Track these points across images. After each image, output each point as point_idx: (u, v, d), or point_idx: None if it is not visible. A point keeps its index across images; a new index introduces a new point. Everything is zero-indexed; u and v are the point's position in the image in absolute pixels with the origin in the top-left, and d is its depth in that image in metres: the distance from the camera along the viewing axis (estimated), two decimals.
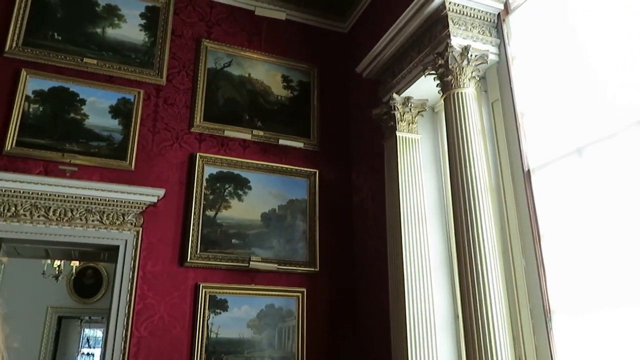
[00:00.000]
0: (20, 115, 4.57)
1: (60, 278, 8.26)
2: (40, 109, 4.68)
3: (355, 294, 5.24)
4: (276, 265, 4.96)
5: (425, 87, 4.70)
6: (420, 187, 4.65)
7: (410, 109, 4.80)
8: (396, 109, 4.77)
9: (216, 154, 5.19)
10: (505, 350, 3.31)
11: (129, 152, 4.84)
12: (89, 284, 10.28)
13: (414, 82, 4.62)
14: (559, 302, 3.44)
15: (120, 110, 4.94)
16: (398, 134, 4.72)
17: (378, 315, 4.77)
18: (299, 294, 5.04)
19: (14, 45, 4.75)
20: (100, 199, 4.55)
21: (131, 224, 4.66)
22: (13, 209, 4.32)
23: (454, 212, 3.81)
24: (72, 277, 10.00)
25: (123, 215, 4.64)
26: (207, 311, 4.67)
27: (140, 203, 4.68)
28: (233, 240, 4.97)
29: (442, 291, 4.45)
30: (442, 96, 4.13)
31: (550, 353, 3.36)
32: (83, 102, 4.84)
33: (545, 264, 3.56)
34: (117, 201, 4.60)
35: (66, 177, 4.51)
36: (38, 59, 4.79)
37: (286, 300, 4.99)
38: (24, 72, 4.70)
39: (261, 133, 5.44)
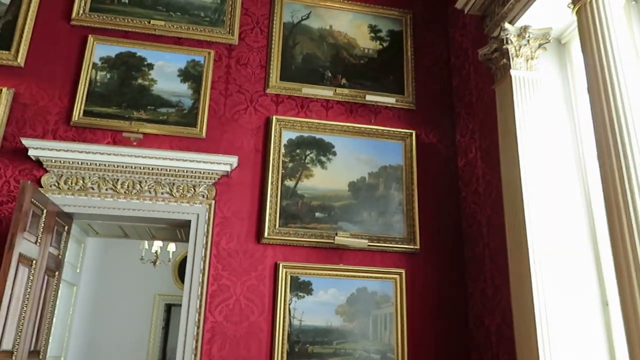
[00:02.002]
0: (87, 84, 4.29)
1: (157, 263, 8.25)
2: (108, 76, 4.37)
3: (465, 278, 4.32)
4: (367, 241, 4.19)
5: (547, 12, 3.68)
6: (545, 139, 3.63)
7: (529, 42, 3.79)
8: (509, 42, 3.78)
9: (295, 117, 4.55)
10: None
11: (200, 118, 4.37)
12: None
13: (532, 4, 3.61)
14: None
15: (190, 74, 4.50)
16: (513, 73, 3.73)
17: (496, 303, 3.83)
18: (397, 276, 4.24)
19: (80, 11, 4.49)
20: (170, 169, 4.12)
21: (203, 196, 4.18)
22: (81, 182, 4.04)
23: (601, 168, 2.81)
24: (176, 264, 10.07)
25: (194, 186, 4.18)
26: (288, 294, 4.05)
27: (212, 173, 4.18)
28: (316, 214, 4.30)
29: (585, 272, 3.40)
30: (573, 9, 3.10)
31: None
32: (151, 66, 4.46)
33: None
34: (187, 171, 4.14)
35: (133, 145, 4.13)
36: (105, 24, 4.50)
37: (381, 283, 4.22)
38: (91, 39, 4.42)
39: (346, 91, 4.70)
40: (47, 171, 4.03)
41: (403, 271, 4.25)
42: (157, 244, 7.85)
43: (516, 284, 3.48)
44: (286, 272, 4.09)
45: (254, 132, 4.46)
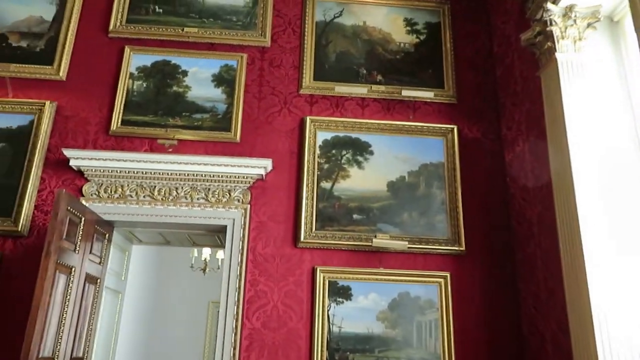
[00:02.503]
0: (124, 94, 4.37)
1: (207, 271, 8.34)
2: (144, 85, 4.43)
3: (516, 281, 4.02)
4: (407, 243, 3.99)
5: None
6: (598, 125, 3.31)
7: (575, 21, 3.48)
8: (553, 23, 3.49)
9: (330, 117, 4.43)
10: None
11: (234, 122, 4.34)
12: None
13: None
14: None
15: (223, 78, 4.48)
16: (558, 56, 3.44)
17: (551, 308, 3.52)
18: (441, 280, 4.00)
19: (117, 24, 4.59)
20: (205, 175, 4.10)
21: (238, 200, 4.13)
22: (120, 190, 4.10)
23: None
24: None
25: (229, 191, 4.14)
26: (327, 300, 3.92)
27: (246, 177, 4.13)
28: (354, 216, 4.15)
29: None
30: None
31: None
32: (185, 73, 4.49)
33: None
34: (221, 176, 4.11)
35: (168, 152, 4.15)
36: (140, 34, 4.58)
37: (425, 287, 4.00)
38: (127, 50, 4.50)
39: (382, 88, 4.53)
40: (87, 180, 4.12)
41: (448, 274, 4.01)
42: (206, 252, 7.94)
43: (571, 287, 3.18)
44: (324, 277, 3.96)
45: (289, 134, 4.38)
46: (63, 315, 3.34)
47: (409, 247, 3.98)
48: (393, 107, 4.51)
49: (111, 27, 4.57)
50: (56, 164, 4.15)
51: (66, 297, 3.39)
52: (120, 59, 4.49)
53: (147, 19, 4.64)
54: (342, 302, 3.92)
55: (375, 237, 4.04)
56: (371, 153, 4.34)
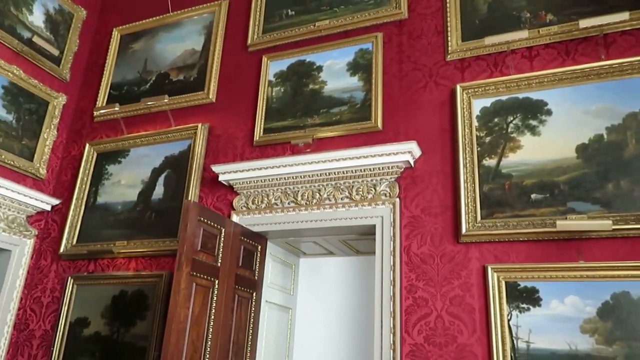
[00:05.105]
0: (264, 103, 4.27)
1: None
2: (282, 90, 4.27)
3: None
4: (610, 222, 2.82)
5: None
6: None
7: None
8: None
9: (488, 79, 3.57)
10: None
11: (373, 108, 3.83)
12: None
13: None
14: None
15: (359, 64, 4.04)
16: None
17: None
18: None
19: (254, 37, 4.58)
20: (346, 171, 3.66)
21: (385, 195, 3.55)
22: (266, 199, 3.93)
23: None
24: None
25: (374, 186, 3.60)
26: (505, 307, 3.01)
27: (391, 166, 3.54)
28: (533, 196, 3.16)
29: None
30: None
31: None
32: (320, 69, 4.19)
33: None
34: (364, 169, 3.61)
35: (306, 152, 3.85)
36: (276, 41, 4.47)
37: None
38: (265, 59, 4.43)
39: (554, 29, 3.48)
40: (237, 194, 4.08)
41: None
42: None
43: None
44: (498, 277, 3.07)
45: (437, 110, 3.66)
46: (207, 330, 3.22)
47: (614, 229, 2.82)
48: (574, 49, 3.41)
49: (249, 41, 4.58)
50: (211, 182, 4.23)
51: (210, 311, 3.27)
52: (259, 69, 4.44)
53: (281, 25, 4.52)
54: (528, 309, 2.96)
55: (566, 218, 2.99)
56: (548, 113, 3.31)
